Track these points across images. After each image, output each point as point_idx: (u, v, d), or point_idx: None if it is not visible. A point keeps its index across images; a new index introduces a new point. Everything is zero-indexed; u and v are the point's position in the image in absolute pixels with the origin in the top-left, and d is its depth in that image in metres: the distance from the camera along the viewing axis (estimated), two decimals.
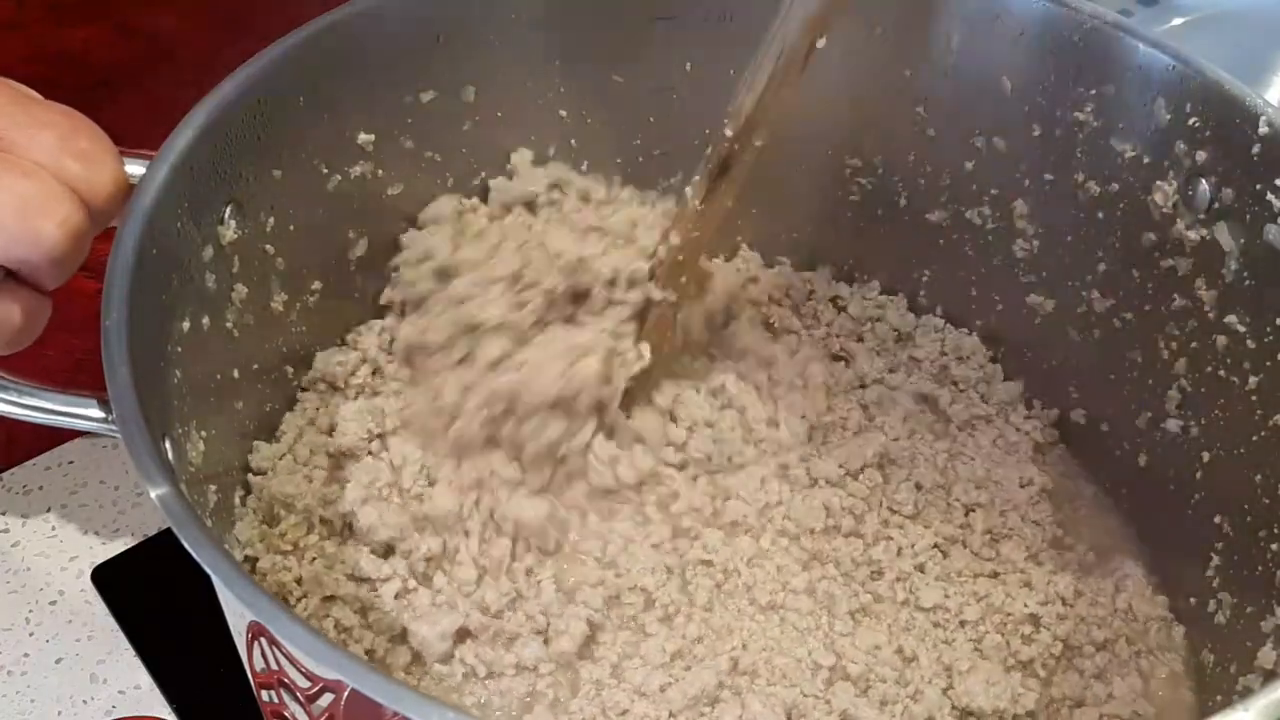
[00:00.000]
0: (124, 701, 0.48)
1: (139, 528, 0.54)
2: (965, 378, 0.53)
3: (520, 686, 0.41)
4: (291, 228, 0.44)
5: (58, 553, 0.53)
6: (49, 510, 0.54)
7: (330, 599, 0.42)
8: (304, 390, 0.48)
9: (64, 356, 0.46)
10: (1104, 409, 0.51)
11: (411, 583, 0.42)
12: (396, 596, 0.42)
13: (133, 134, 0.37)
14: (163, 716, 0.47)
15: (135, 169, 0.37)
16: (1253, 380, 0.43)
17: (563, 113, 0.51)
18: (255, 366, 0.45)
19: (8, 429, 0.48)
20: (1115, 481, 0.50)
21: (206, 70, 0.40)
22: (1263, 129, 0.41)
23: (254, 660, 0.33)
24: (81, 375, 0.34)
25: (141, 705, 0.47)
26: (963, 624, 0.43)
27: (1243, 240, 0.43)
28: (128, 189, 0.36)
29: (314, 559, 0.43)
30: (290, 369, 0.47)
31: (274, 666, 0.32)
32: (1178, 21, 0.73)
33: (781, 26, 0.42)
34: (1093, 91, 0.46)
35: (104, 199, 0.35)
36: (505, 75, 0.49)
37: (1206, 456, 0.45)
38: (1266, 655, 0.40)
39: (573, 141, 0.52)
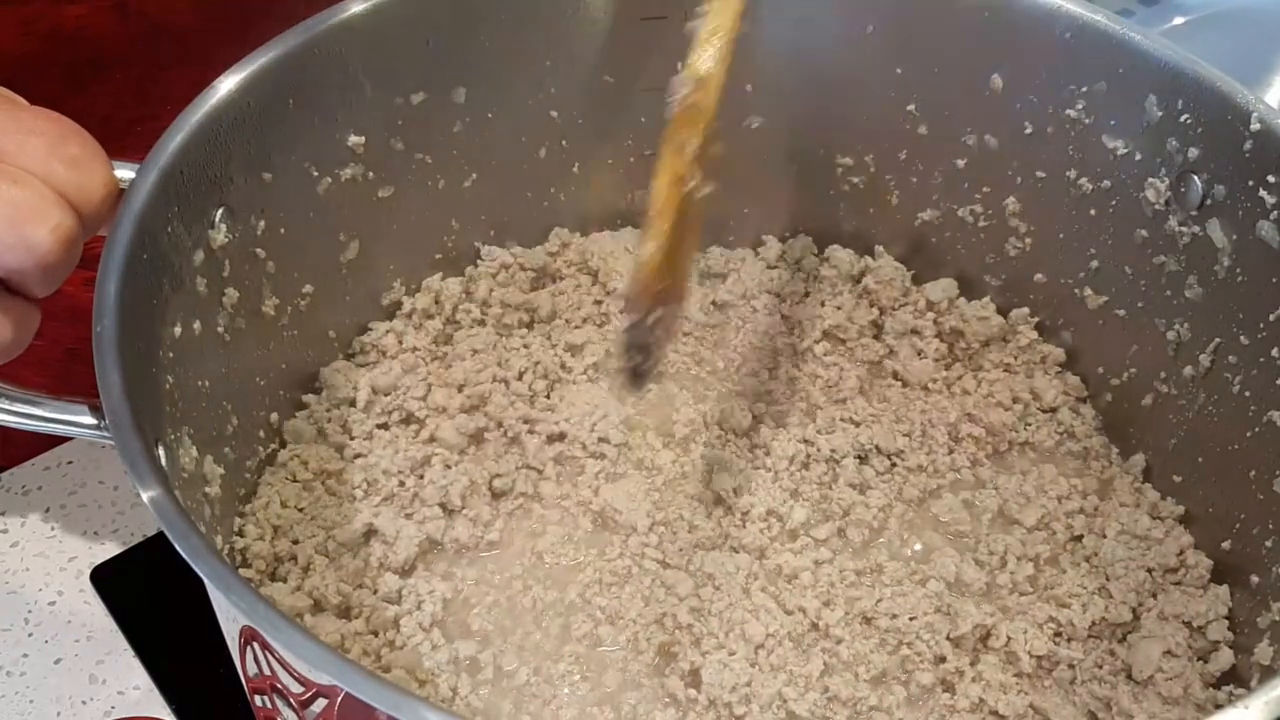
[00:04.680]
0: (123, 702, 0.48)
1: (138, 528, 0.54)
2: None
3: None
4: (282, 231, 0.44)
5: (57, 553, 0.53)
6: (48, 511, 0.54)
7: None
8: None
9: (55, 346, 0.46)
10: (1096, 405, 0.51)
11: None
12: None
13: (118, 112, 0.37)
14: (161, 717, 0.47)
15: (125, 174, 0.37)
16: (1245, 376, 0.43)
17: (554, 114, 0.51)
18: (248, 370, 0.45)
19: (5, 430, 0.48)
20: None
21: (196, 51, 0.40)
22: (1254, 125, 0.41)
23: (246, 665, 0.34)
24: (75, 364, 0.34)
25: (140, 706, 0.48)
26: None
27: (1235, 237, 0.43)
28: (118, 194, 0.36)
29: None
30: (284, 368, 0.48)
31: (266, 671, 0.32)
32: (1178, 21, 0.73)
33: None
34: (1084, 89, 0.46)
35: (94, 204, 0.35)
36: (496, 76, 0.49)
37: (1200, 453, 0.46)
38: (1264, 651, 0.40)
39: (564, 142, 0.52)
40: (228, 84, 0.41)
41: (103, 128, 0.36)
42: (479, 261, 0.53)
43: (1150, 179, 0.45)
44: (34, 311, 0.35)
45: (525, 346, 0.51)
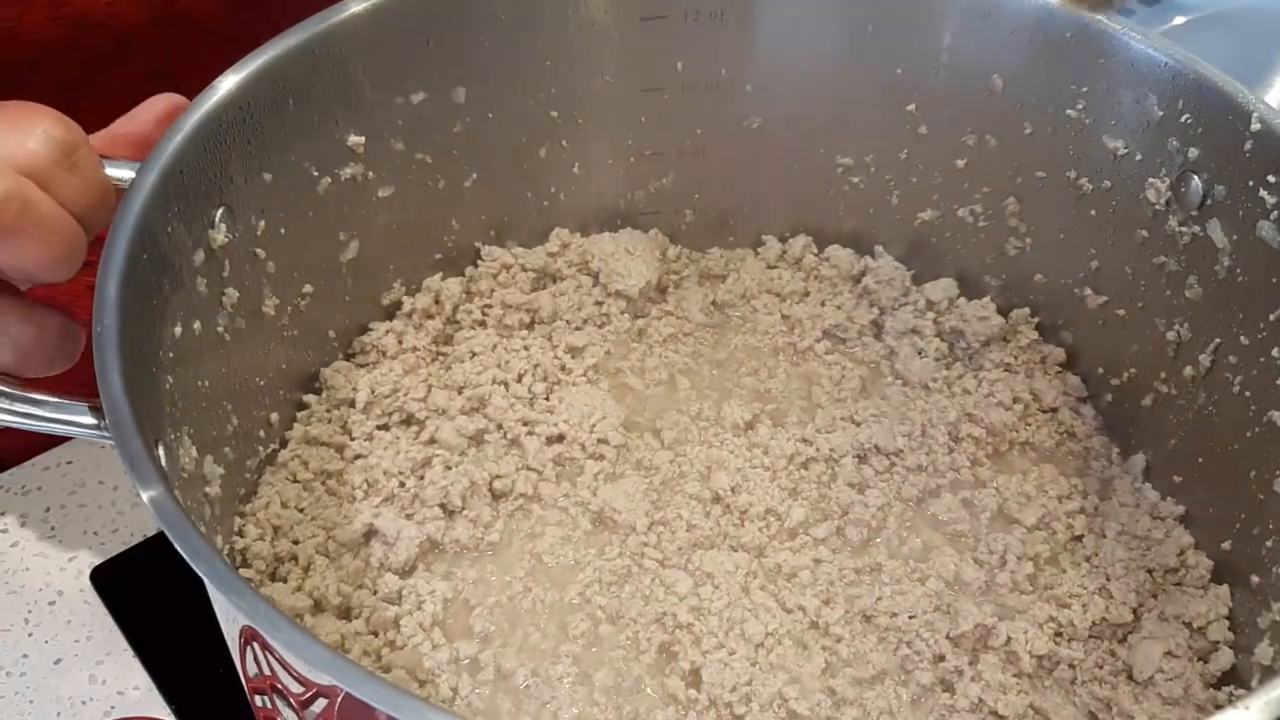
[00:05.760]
0: (123, 702, 0.48)
1: (138, 528, 0.54)
2: None
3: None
4: (282, 231, 0.44)
5: (57, 553, 0.53)
6: (48, 510, 0.54)
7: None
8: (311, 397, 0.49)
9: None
10: (1096, 405, 0.51)
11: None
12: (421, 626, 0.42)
13: (134, 94, 0.37)
14: (161, 717, 0.47)
15: (125, 173, 0.37)
16: (1245, 377, 0.43)
17: (554, 113, 0.51)
18: (248, 371, 0.45)
19: (5, 430, 0.48)
20: None
21: (218, 36, 0.40)
22: (1255, 125, 0.41)
23: (246, 665, 0.34)
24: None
25: (140, 706, 0.48)
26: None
27: (1235, 237, 0.43)
28: (113, 193, 0.36)
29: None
30: (284, 368, 0.48)
31: (266, 671, 0.32)
32: (1179, 20, 0.73)
33: None
34: (1085, 89, 0.46)
35: (89, 204, 0.35)
36: (495, 76, 0.48)
37: (1200, 453, 0.46)
38: (1264, 651, 0.40)
39: (564, 142, 0.52)
40: (228, 84, 0.41)
41: (119, 109, 0.36)
42: (479, 261, 0.53)
43: (1150, 179, 0.45)
44: (45, 312, 0.35)
45: (525, 348, 0.51)
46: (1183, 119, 0.43)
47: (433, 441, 0.47)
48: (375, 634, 0.41)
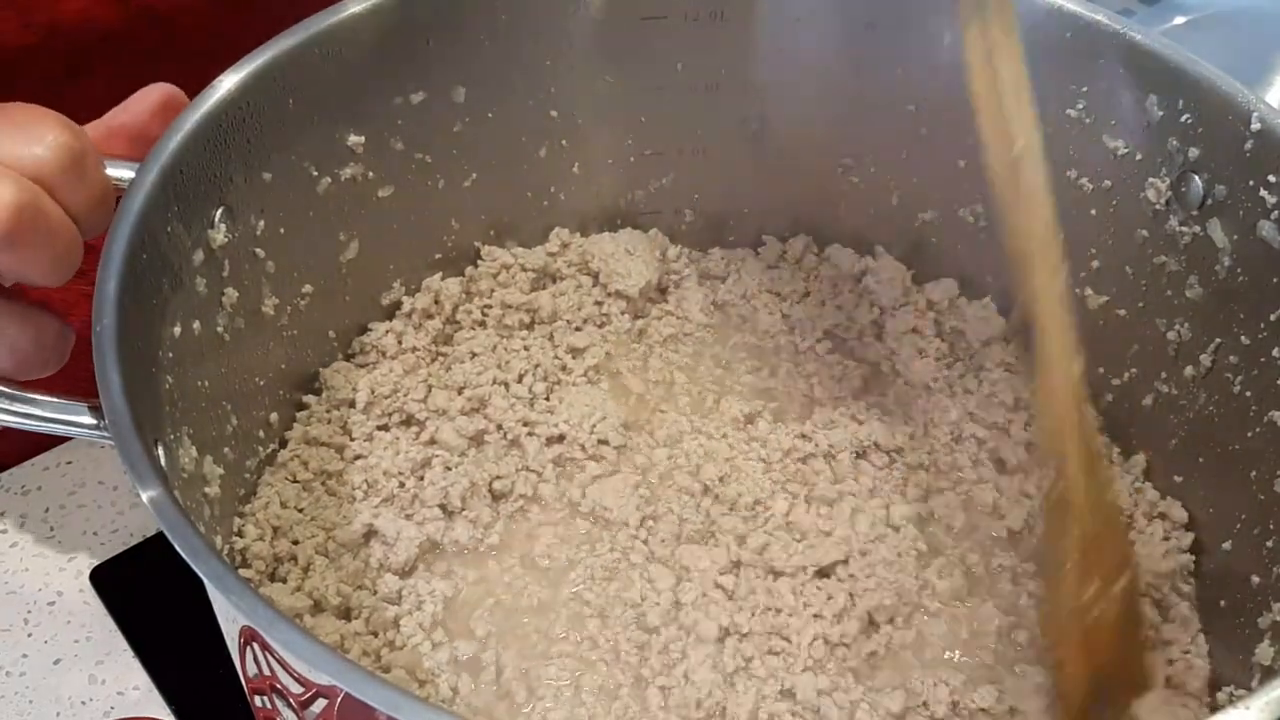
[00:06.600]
0: (122, 703, 0.48)
1: (138, 528, 0.54)
2: None
3: None
4: (282, 231, 0.44)
5: (56, 553, 0.53)
6: (47, 511, 0.54)
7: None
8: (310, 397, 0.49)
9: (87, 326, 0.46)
10: (1096, 405, 0.51)
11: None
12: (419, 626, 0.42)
13: (112, 99, 0.37)
14: (161, 718, 0.47)
15: (125, 173, 0.37)
16: (1246, 377, 0.43)
17: (553, 113, 0.51)
18: (248, 371, 0.45)
19: (5, 430, 0.48)
20: None
21: (195, 39, 0.40)
22: (1255, 125, 0.41)
23: (246, 665, 0.34)
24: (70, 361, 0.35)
25: (140, 706, 0.48)
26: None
27: (1235, 237, 0.43)
28: (113, 195, 0.36)
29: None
30: (283, 368, 0.48)
31: (266, 672, 0.32)
32: (1179, 20, 0.73)
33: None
34: (1085, 88, 0.46)
35: (90, 206, 0.35)
36: (495, 76, 0.49)
37: (1201, 454, 0.46)
38: (1264, 651, 0.40)
39: (563, 142, 0.52)
40: (228, 83, 0.40)
41: (106, 104, 0.36)
42: (479, 261, 0.53)
43: (1151, 179, 0.45)
44: (42, 316, 0.35)
45: (525, 349, 0.51)
46: (1183, 119, 0.43)
47: (433, 442, 0.47)
48: (375, 634, 0.41)
